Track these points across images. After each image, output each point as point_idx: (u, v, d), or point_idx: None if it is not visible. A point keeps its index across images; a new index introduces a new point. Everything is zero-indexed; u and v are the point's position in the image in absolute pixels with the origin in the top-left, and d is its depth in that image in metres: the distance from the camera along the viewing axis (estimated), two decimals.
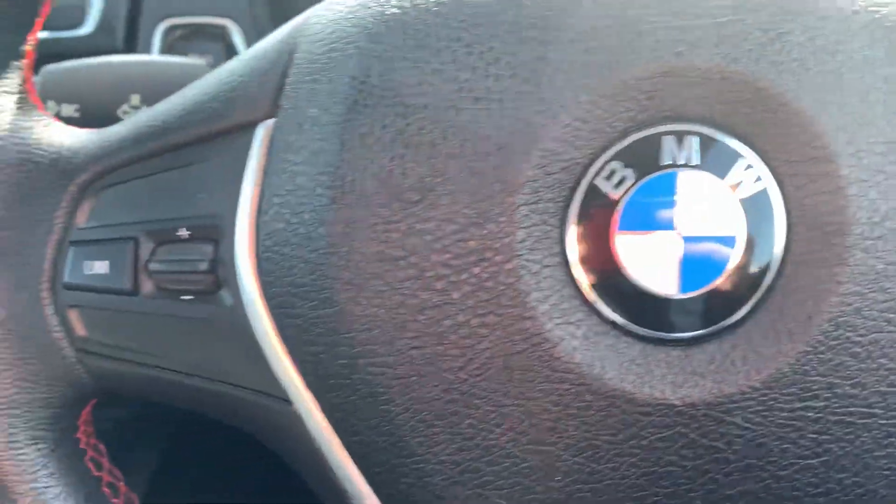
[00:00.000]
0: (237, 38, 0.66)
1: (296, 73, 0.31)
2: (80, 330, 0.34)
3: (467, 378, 0.28)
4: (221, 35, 0.67)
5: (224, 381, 0.33)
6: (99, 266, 0.33)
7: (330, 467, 0.32)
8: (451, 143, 0.27)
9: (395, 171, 0.28)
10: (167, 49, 0.65)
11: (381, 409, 0.29)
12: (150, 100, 0.48)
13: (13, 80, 0.34)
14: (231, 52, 0.66)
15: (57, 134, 0.35)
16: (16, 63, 0.34)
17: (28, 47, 0.34)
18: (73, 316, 0.34)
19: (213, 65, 0.53)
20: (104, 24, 0.62)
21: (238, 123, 0.32)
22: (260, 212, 0.30)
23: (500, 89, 0.27)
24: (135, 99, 0.48)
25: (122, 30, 0.66)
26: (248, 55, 0.33)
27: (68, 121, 0.47)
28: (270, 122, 0.31)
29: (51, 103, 0.47)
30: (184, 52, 0.65)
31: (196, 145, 0.32)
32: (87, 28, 0.63)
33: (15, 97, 0.34)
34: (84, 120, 0.47)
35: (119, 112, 0.47)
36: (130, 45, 0.66)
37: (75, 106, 0.47)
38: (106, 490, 0.37)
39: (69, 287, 0.34)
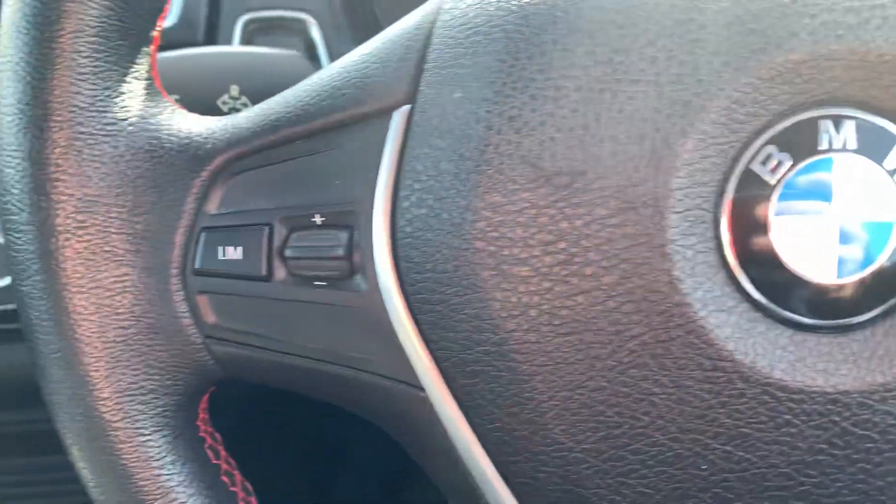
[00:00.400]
0: (315, 33, 0.67)
1: (435, 58, 0.30)
2: (208, 316, 0.34)
3: (616, 365, 0.28)
4: (300, 29, 0.67)
5: (354, 367, 0.33)
6: (232, 252, 0.33)
7: (459, 456, 0.32)
8: (605, 125, 0.27)
9: (545, 154, 0.27)
10: (246, 42, 0.66)
11: (525, 396, 0.29)
12: (248, 90, 0.48)
13: (143, 65, 0.34)
14: (309, 45, 0.66)
15: (185, 121, 0.35)
16: (145, 49, 0.34)
17: (156, 33, 0.34)
18: (203, 302, 0.34)
19: (306, 56, 0.54)
20: (185, 18, 0.63)
21: (373, 110, 0.32)
22: (398, 197, 0.30)
23: (656, 71, 0.27)
24: (234, 90, 0.48)
25: (203, 23, 0.66)
26: (379, 41, 0.33)
27: None
28: (406, 107, 0.31)
29: None
30: (263, 46, 0.66)
31: (330, 132, 0.32)
32: (169, 21, 0.63)
33: (144, 83, 0.34)
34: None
35: (219, 102, 0.48)
36: (210, 39, 0.66)
37: (176, 96, 0.47)
38: (224, 478, 0.37)
39: (200, 273, 0.34)
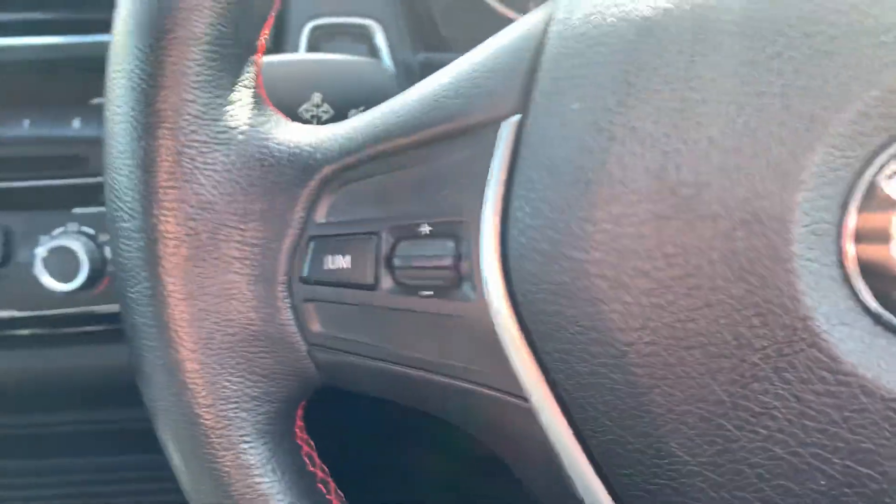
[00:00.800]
0: (380, 39, 0.67)
1: (549, 69, 0.30)
2: (313, 324, 0.35)
3: (737, 379, 0.27)
4: (365, 35, 0.67)
5: (458, 376, 0.33)
6: (339, 261, 0.34)
7: (563, 467, 0.32)
8: (730, 138, 0.27)
9: (669, 165, 0.27)
10: (311, 48, 0.66)
11: (642, 409, 0.29)
12: (330, 98, 0.48)
13: (251, 74, 0.34)
14: (374, 52, 0.67)
15: (292, 131, 0.35)
16: (253, 57, 0.34)
17: (261, 41, 0.35)
18: (308, 310, 0.35)
19: (394, 64, 0.54)
20: None
21: (482, 120, 0.32)
22: (508, 208, 0.30)
23: (783, 84, 0.27)
24: (317, 97, 0.48)
25: (271, 30, 0.67)
26: (486, 51, 0.33)
27: None
28: (516, 117, 0.31)
29: None
30: (328, 52, 0.66)
31: (438, 142, 0.33)
32: None
33: (251, 92, 0.34)
34: None
35: (301, 110, 0.48)
36: (277, 45, 0.67)
37: None
38: (320, 486, 0.37)
39: (307, 281, 0.34)
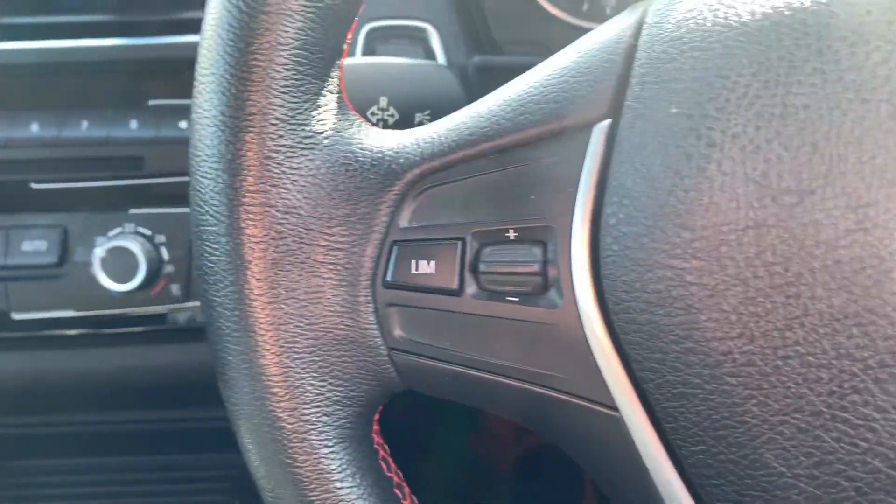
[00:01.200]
0: (435, 41, 0.67)
1: (643, 73, 0.30)
2: (395, 328, 0.35)
3: (836, 390, 0.27)
4: (420, 37, 0.67)
5: (542, 384, 0.33)
6: (424, 266, 0.34)
7: (649, 478, 0.31)
8: (834, 144, 0.26)
9: (771, 172, 0.27)
10: (367, 51, 0.66)
11: (737, 420, 0.28)
12: (396, 102, 0.49)
13: (335, 78, 0.34)
14: (430, 54, 0.67)
15: (376, 135, 0.35)
16: (338, 61, 0.34)
17: (346, 45, 0.35)
18: (391, 314, 0.35)
19: (448, 66, 0.54)
20: None
21: (572, 124, 0.31)
22: (600, 214, 0.30)
23: (890, 90, 0.26)
24: (383, 101, 0.48)
25: None
26: (574, 55, 0.33)
27: None
28: (607, 122, 0.31)
29: None
30: (384, 55, 0.66)
31: (526, 146, 0.32)
32: None
33: (336, 96, 0.34)
34: None
35: (368, 114, 0.48)
36: None
37: None
38: (396, 492, 0.37)
39: (390, 286, 0.34)
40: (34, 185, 0.70)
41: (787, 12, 0.28)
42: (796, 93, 0.27)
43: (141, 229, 0.70)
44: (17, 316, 0.71)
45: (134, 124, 0.68)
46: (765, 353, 0.28)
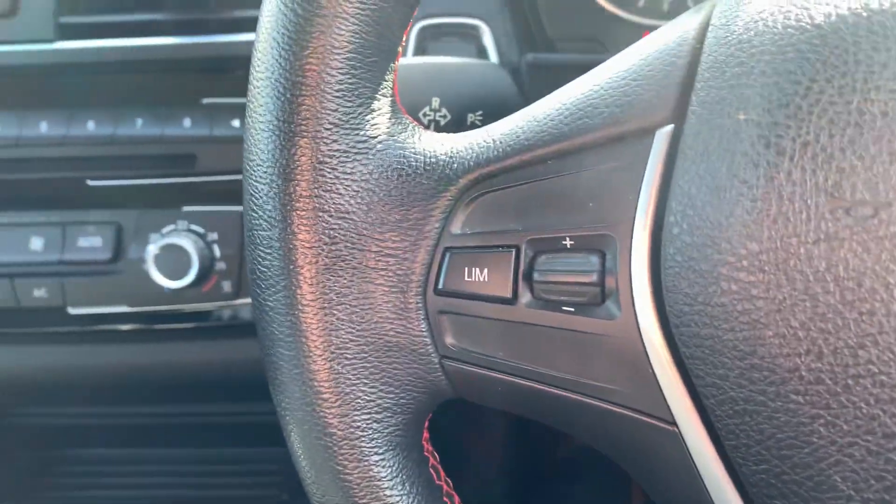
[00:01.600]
0: (487, 39, 0.66)
1: (708, 77, 0.29)
2: (447, 336, 0.34)
3: None
4: (472, 35, 0.66)
5: (597, 396, 0.32)
6: (477, 273, 0.33)
7: (707, 496, 0.30)
8: None
9: (844, 183, 0.26)
10: (419, 49, 0.66)
11: (803, 439, 0.27)
12: (448, 102, 0.48)
13: (389, 82, 0.34)
14: (481, 52, 0.66)
15: (429, 139, 0.34)
16: (392, 65, 0.34)
17: (400, 48, 0.34)
18: (443, 322, 0.34)
19: (501, 65, 0.53)
20: None
21: (633, 129, 0.30)
22: (661, 223, 0.29)
23: None
24: (435, 102, 0.48)
25: None
26: (635, 57, 0.32)
27: None
28: (669, 127, 0.30)
29: None
30: (436, 53, 0.65)
31: (584, 152, 0.31)
32: None
33: (389, 100, 0.34)
34: None
35: (420, 115, 0.47)
36: None
37: None
38: (446, 500, 0.37)
39: (442, 293, 0.34)
40: (90, 182, 0.71)
41: (864, 14, 0.27)
42: (874, 99, 0.26)
43: (194, 226, 0.70)
44: (72, 311, 0.72)
45: (187, 122, 0.69)
46: (834, 372, 0.26)
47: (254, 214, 0.33)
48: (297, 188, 0.32)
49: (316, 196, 0.32)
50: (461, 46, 0.66)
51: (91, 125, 0.69)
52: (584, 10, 0.73)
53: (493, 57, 0.66)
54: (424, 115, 0.47)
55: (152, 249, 0.68)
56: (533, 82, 0.66)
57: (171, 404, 0.90)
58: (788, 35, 0.28)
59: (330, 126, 0.32)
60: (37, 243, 0.71)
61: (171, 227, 0.71)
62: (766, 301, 0.27)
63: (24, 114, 0.70)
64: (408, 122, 0.35)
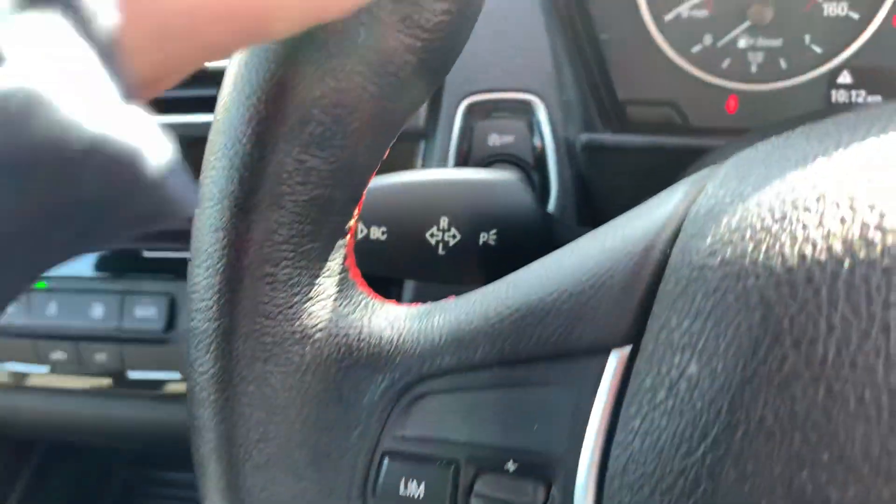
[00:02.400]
0: (541, 115, 0.62)
1: (666, 304, 0.24)
2: None
3: None
4: (524, 111, 0.62)
5: None
6: (414, 488, 0.30)
7: None
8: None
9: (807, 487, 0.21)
10: (466, 126, 0.62)
11: None
12: (458, 221, 0.44)
13: (336, 261, 0.31)
14: (533, 129, 0.61)
15: (376, 321, 0.31)
16: (341, 242, 0.31)
17: (352, 223, 0.31)
18: None
19: (522, 178, 0.49)
20: None
21: (586, 346, 0.26)
22: (611, 454, 0.25)
23: None
24: (444, 221, 0.44)
25: (425, 108, 0.64)
26: (595, 251, 0.28)
27: (375, 244, 0.45)
28: (627, 348, 0.25)
29: (360, 226, 0.44)
30: (484, 132, 0.62)
31: (533, 364, 0.27)
32: None
33: (336, 279, 0.31)
34: (391, 243, 0.44)
35: (427, 235, 0.44)
36: (432, 122, 0.63)
37: (383, 228, 0.44)
38: None
39: (380, 502, 0.31)
40: (146, 254, 0.72)
41: (847, 262, 0.21)
42: (847, 378, 0.20)
43: None
44: (131, 375, 0.74)
45: None
46: None
47: (194, 422, 0.31)
48: (228, 388, 0.30)
49: (248, 392, 0.30)
50: (511, 124, 0.61)
51: None
52: (661, 71, 0.66)
53: (547, 134, 0.61)
54: (431, 235, 0.44)
55: None
56: (588, 164, 0.61)
57: None
58: (755, 276, 0.23)
59: (260, 320, 0.29)
60: (98, 310, 0.72)
61: None
62: None
63: None
64: (360, 297, 0.32)
